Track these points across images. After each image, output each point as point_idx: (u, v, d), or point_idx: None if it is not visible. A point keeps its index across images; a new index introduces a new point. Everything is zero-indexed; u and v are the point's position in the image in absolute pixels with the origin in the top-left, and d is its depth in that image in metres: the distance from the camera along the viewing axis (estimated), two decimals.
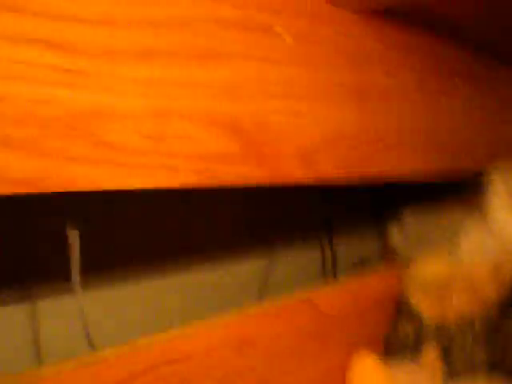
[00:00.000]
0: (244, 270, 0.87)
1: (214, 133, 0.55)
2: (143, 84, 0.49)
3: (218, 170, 0.57)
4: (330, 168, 0.69)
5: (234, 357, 0.62)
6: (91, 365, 0.50)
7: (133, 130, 0.48)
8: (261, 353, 0.65)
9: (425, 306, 0.81)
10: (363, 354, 0.78)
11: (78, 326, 0.63)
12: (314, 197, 1.02)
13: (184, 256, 0.79)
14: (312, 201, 1.02)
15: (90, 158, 0.45)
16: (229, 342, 0.62)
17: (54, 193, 0.44)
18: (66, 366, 0.49)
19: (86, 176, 0.45)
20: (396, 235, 0.89)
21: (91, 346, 0.63)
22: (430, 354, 0.78)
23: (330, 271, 1.00)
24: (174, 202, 0.79)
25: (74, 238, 0.55)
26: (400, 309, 0.84)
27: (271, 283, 0.90)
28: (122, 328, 0.71)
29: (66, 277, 0.60)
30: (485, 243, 0.85)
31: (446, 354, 0.78)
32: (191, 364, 0.57)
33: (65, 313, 0.65)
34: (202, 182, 0.56)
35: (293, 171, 0.64)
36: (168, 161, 0.51)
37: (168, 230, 0.77)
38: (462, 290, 0.81)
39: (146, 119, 0.49)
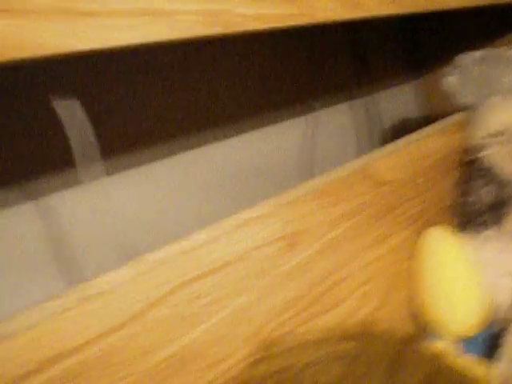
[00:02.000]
0: (283, 144, 0.77)
1: None
2: None
3: (230, 11, 0.42)
4: None
5: (283, 253, 0.49)
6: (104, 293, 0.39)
7: None
8: (316, 244, 0.52)
9: (503, 161, 0.66)
10: (432, 226, 0.65)
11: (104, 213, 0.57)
12: (345, 54, 0.89)
13: (211, 131, 0.68)
14: (343, 59, 0.89)
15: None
16: (275, 236, 0.49)
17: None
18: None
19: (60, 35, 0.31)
20: (452, 82, 0.73)
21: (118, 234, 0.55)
22: None
23: (369, 136, 0.93)
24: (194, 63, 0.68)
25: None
26: (471, 168, 0.70)
27: (310, 161, 0.81)
28: (147, 215, 0.64)
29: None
30: None
31: None
32: (226, 274, 0.45)
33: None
34: (210, 29, 0.42)
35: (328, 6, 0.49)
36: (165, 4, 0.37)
37: (190, 102, 0.66)
38: None
39: None
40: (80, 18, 0.33)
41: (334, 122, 0.90)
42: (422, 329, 0.61)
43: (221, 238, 0.45)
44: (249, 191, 0.74)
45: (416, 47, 1.11)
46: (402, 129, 1.07)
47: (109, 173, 0.61)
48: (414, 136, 0.66)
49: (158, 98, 0.65)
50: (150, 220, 0.64)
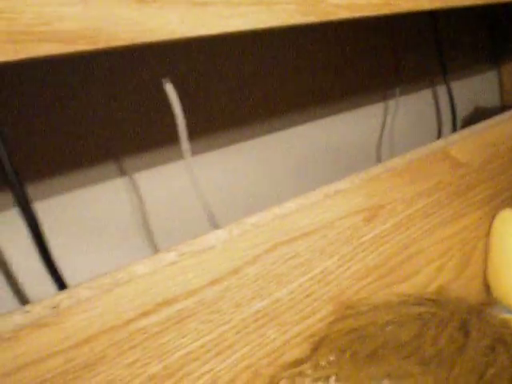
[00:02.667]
0: (359, 126, 0.81)
1: None
2: None
3: (325, 1, 0.47)
4: None
5: (364, 225, 0.54)
6: (206, 250, 0.44)
7: None
8: (394, 218, 0.56)
9: None
10: (507, 209, 0.68)
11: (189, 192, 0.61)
12: (428, 40, 0.92)
13: (294, 113, 0.72)
14: (426, 45, 0.92)
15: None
16: (358, 208, 0.53)
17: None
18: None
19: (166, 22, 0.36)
20: None
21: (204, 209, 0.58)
22: None
23: (448, 120, 0.95)
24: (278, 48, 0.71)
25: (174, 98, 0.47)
26: None
27: (389, 140, 0.84)
28: (233, 193, 0.68)
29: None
30: None
31: None
32: (313, 240, 0.50)
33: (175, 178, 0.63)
34: (306, 18, 0.46)
35: None
36: None
37: (275, 84, 0.70)
38: None
39: None
40: (202, 8, 0.38)
41: (415, 108, 0.93)
42: (492, 301, 0.64)
43: (311, 206, 0.49)
44: (333, 169, 0.78)
45: (496, 35, 1.12)
46: (480, 115, 1.08)
47: (194, 152, 0.65)
48: (490, 121, 0.69)
49: (247, 81, 0.70)
50: (239, 194, 0.69)
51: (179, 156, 0.61)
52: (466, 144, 0.63)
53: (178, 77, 0.61)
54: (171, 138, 0.61)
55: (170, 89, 0.46)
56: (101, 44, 0.35)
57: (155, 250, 0.64)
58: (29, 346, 0.37)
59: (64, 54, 0.34)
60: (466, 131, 0.65)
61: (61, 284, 0.50)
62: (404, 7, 0.55)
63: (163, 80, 0.46)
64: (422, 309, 0.48)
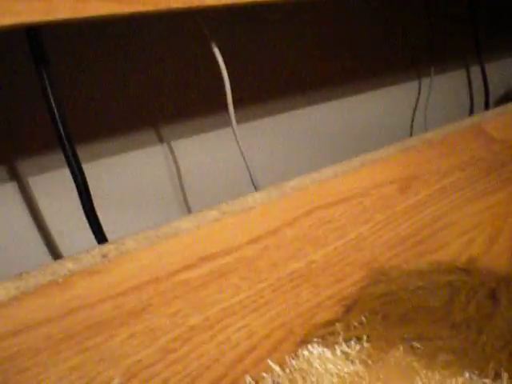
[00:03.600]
0: (393, 103, 0.81)
1: None
2: None
3: None
4: None
5: (399, 194, 0.55)
6: (247, 210, 0.46)
7: None
8: (428, 190, 0.57)
9: None
10: None
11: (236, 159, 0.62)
12: (464, 20, 0.92)
13: (332, 88, 0.73)
14: (461, 25, 0.92)
15: None
16: (393, 177, 0.54)
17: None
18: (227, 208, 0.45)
19: None
20: None
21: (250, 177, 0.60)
22: None
23: (480, 102, 0.95)
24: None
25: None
26: None
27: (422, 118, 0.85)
28: (275, 161, 0.70)
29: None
30: None
31: None
32: (349, 206, 0.51)
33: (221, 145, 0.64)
34: None
35: None
36: None
37: (314, 58, 0.72)
38: None
39: None
40: None
41: (449, 87, 0.93)
42: None
43: (347, 173, 0.51)
44: (367, 146, 0.79)
45: None
46: None
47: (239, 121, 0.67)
48: None
49: (291, 53, 0.71)
50: (277, 164, 0.70)
51: (224, 123, 0.62)
52: (501, 121, 0.63)
53: (224, 43, 0.62)
54: (217, 106, 0.62)
55: (217, 52, 0.47)
56: (161, 5, 0.36)
57: None
58: (79, 291, 0.39)
59: (126, 14, 0.35)
60: (501, 108, 0.65)
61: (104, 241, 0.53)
62: None
63: (212, 43, 0.48)
64: (453, 277, 0.49)
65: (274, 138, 0.70)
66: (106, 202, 0.58)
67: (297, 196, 0.48)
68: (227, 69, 0.53)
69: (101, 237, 0.52)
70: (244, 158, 0.56)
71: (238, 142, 0.54)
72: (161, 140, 0.62)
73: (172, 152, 0.63)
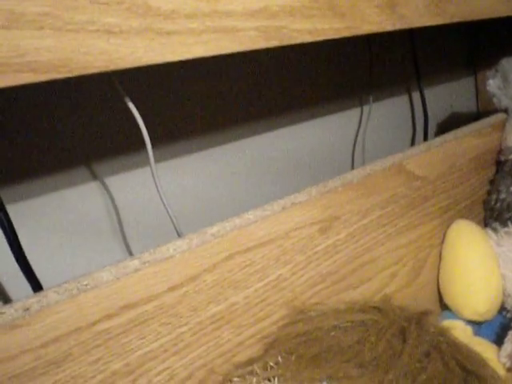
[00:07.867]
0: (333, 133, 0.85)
1: None
2: None
3: (286, 26, 0.50)
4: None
5: (319, 235, 0.58)
6: (167, 258, 0.48)
7: None
8: (348, 229, 0.60)
9: None
10: (461, 220, 0.72)
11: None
12: (403, 47, 0.95)
13: (267, 120, 0.76)
14: (401, 51, 0.95)
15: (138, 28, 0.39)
16: (314, 219, 0.57)
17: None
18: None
19: (132, 51, 0.39)
20: (494, 84, 0.78)
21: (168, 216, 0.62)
22: None
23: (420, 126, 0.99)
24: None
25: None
26: (502, 168, 0.75)
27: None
28: (194, 200, 0.72)
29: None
30: None
31: None
32: (269, 249, 0.54)
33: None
34: (268, 43, 0.49)
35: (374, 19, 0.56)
36: (226, 21, 0.45)
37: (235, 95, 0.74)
38: None
39: None
40: (165, 37, 0.42)
41: (389, 114, 0.96)
42: (441, 308, 0.68)
43: (268, 218, 0.53)
44: (299, 178, 0.82)
45: (473, 46, 1.15)
46: (457, 120, 1.12)
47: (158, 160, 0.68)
48: (449, 135, 0.72)
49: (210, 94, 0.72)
50: (201, 203, 0.72)
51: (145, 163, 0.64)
52: (423, 158, 0.67)
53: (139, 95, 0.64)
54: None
55: (132, 106, 0.50)
56: (75, 72, 0.38)
57: (127, 250, 0.68)
58: (1, 345, 0.41)
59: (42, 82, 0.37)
60: (424, 145, 0.69)
61: (36, 284, 0.54)
62: (365, 29, 0.59)
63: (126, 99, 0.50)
64: (366, 316, 0.52)
65: (198, 175, 0.72)
66: (40, 242, 0.60)
67: (217, 242, 0.50)
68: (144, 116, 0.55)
69: (34, 283, 0.54)
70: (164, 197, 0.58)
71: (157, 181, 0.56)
72: (94, 177, 0.63)
73: (106, 189, 0.64)
